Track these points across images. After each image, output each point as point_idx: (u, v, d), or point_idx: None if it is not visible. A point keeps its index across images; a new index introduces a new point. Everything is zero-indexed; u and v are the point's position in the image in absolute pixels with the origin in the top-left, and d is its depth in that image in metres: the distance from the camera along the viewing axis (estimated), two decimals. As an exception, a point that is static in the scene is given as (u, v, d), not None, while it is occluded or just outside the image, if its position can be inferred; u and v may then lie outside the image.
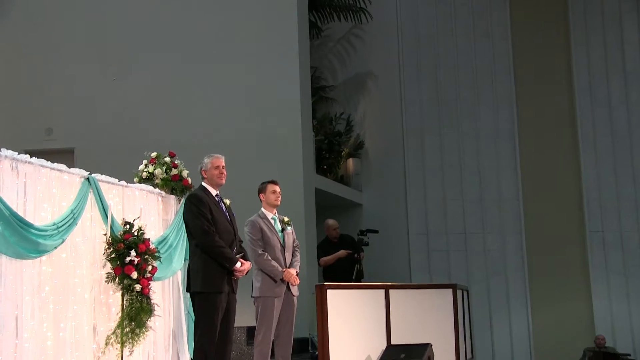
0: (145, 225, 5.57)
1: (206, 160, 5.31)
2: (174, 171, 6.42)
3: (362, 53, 13.57)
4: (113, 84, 10.34)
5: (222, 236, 5.09)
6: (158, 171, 6.36)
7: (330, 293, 7.51)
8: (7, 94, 10.53)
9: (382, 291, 8.10)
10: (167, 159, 6.46)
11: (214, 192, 5.29)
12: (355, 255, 8.52)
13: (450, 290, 8.50)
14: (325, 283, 7.83)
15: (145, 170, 6.41)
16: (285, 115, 10.32)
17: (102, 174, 5.65)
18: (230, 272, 5.06)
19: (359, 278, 8.50)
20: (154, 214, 6.22)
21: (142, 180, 6.37)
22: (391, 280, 8.87)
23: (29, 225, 4.68)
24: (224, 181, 5.30)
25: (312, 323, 7.96)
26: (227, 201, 5.44)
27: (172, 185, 6.39)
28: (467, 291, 9.49)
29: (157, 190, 6.31)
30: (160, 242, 6.00)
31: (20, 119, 10.43)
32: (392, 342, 7.96)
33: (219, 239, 5.03)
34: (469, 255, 12.89)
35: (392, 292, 8.12)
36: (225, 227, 5.17)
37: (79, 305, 5.15)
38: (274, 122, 10.25)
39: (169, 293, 6.25)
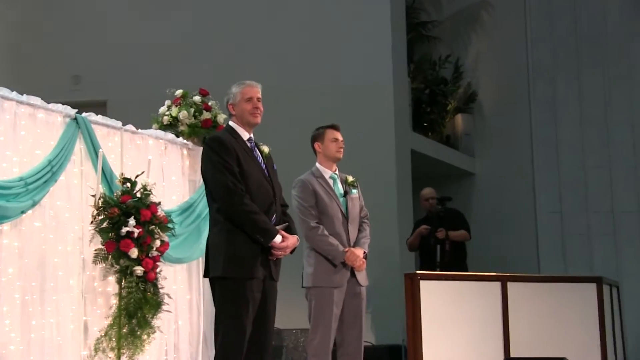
0: (154, 184, 5.17)
1: (234, 89, 4.66)
2: (206, 114, 6.11)
3: (475, -23, 13.42)
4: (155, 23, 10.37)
5: (256, 197, 4.38)
6: (183, 114, 6.01)
7: (424, 285, 7.27)
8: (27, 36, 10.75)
9: (498, 284, 7.91)
10: (197, 98, 6.14)
11: (245, 134, 4.56)
12: (436, 232, 8.40)
13: (593, 285, 8.24)
14: (417, 272, 7.63)
15: (168, 113, 6.05)
16: (371, 57, 10.05)
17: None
18: (267, 250, 4.41)
19: (447, 264, 8.33)
20: (177, 171, 5.93)
21: (163, 127, 6.02)
22: (513, 271, 8.64)
23: (-18, 179, 4.45)
24: (259, 119, 4.59)
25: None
26: (266, 148, 4.74)
27: (203, 133, 5.99)
28: (617, 287, 9.07)
29: (181, 140, 5.98)
30: (184, 211, 5.81)
31: (44, 65, 10.58)
32: (512, 354, 7.77)
33: (249, 201, 4.35)
34: (619, 240, 12.23)
35: (512, 286, 7.90)
36: (261, 185, 4.45)
37: (61, 295, 4.87)
38: (356, 65, 10.01)
39: (197, 281, 5.99)
